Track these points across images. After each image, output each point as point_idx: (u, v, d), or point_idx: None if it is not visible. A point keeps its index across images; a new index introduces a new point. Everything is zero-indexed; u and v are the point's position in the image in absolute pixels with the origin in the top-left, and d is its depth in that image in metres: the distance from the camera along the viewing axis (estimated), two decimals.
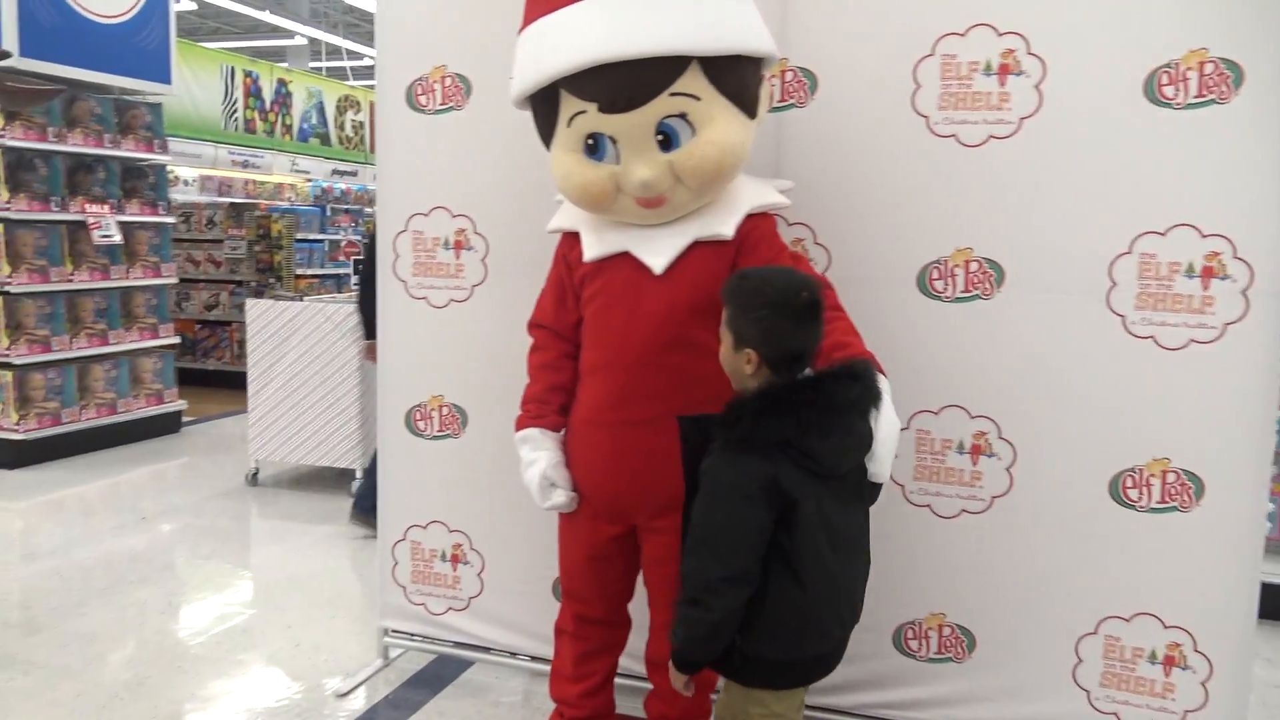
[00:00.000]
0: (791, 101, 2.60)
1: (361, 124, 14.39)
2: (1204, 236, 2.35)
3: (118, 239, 5.93)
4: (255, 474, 5.30)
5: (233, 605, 3.70)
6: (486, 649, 3.09)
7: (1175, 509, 2.43)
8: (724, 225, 2.28)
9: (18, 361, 5.58)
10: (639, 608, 2.59)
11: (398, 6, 2.91)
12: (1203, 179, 2.34)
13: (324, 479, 5.38)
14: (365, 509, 4.27)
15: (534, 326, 2.49)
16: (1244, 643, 2.44)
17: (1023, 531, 2.55)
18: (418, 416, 3.02)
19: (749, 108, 2.25)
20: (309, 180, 12.63)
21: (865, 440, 1.98)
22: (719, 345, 2.04)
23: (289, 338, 5.04)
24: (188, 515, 4.82)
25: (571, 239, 2.40)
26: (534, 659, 3.04)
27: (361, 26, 17.47)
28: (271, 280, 7.60)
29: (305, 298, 5.28)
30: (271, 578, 3.99)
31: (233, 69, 11.51)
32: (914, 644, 2.68)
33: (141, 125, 6.26)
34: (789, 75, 2.59)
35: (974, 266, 2.52)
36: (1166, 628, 2.47)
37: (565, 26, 2.13)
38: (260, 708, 2.93)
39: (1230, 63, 2.29)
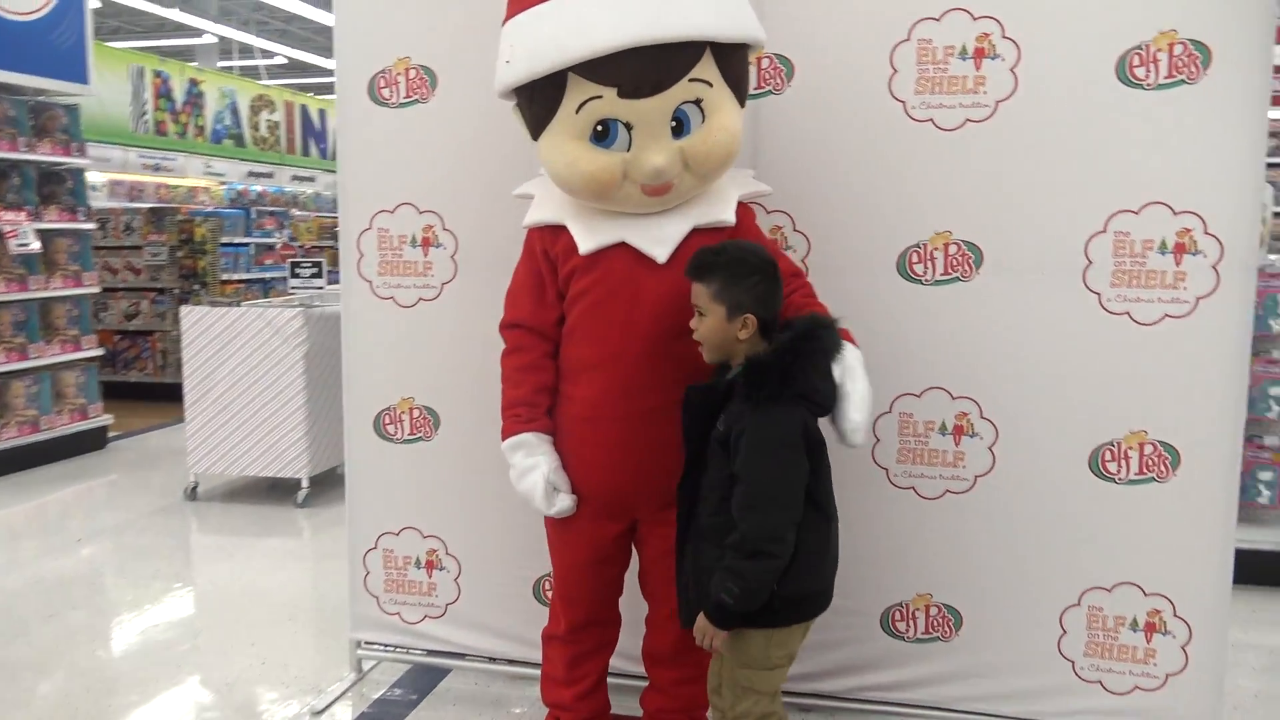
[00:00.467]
0: (769, 88, 2.59)
1: (277, 124, 14.03)
2: (1175, 214, 2.40)
3: (36, 247, 5.65)
4: (194, 488, 5.11)
5: (188, 626, 3.56)
6: (462, 655, 3.03)
7: (1153, 480, 2.49)
8: (725, 211, 2.29)
9: None
10: (626, 604, 2.56)
11: None
12: (1173, 158, 2.39)
13: (268, 490, 5.21)
14: None
15: (510, 327, 2.41)
16: (1220, 607, 2.51)
17: (1006, 509, 2.59)
18: (387, 420, 2.94)
19: (743, 96, 2.28)
20: (224, 183, 12.27)
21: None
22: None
23: (227, 345, 4.87)
24: (124, 534, 4.63)
25: (551, 233, 2.33)
26: (512, 663, 2.98)
27: (271, 24, 17.04)
28: (196, 287, 7.35)
29: (243, 303, 5.10)
30: (226, 594, 3.84)
31: (142, 69, 11.11)
32: (901, 625, 2.70)
33: (58, 128, 5.99)
34: (765, 62, 2.58)
35: (953, 249, 2.54)
36: (1147, 595, 2.53)
37: (585, 9, 2.07)
38: None
39: (1199, 44, 2.34)
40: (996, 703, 2.65)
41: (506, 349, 2.41)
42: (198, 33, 15.08)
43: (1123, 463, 2.50)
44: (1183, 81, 2.37)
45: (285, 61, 18.04)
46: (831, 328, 2.11)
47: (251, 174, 13.14)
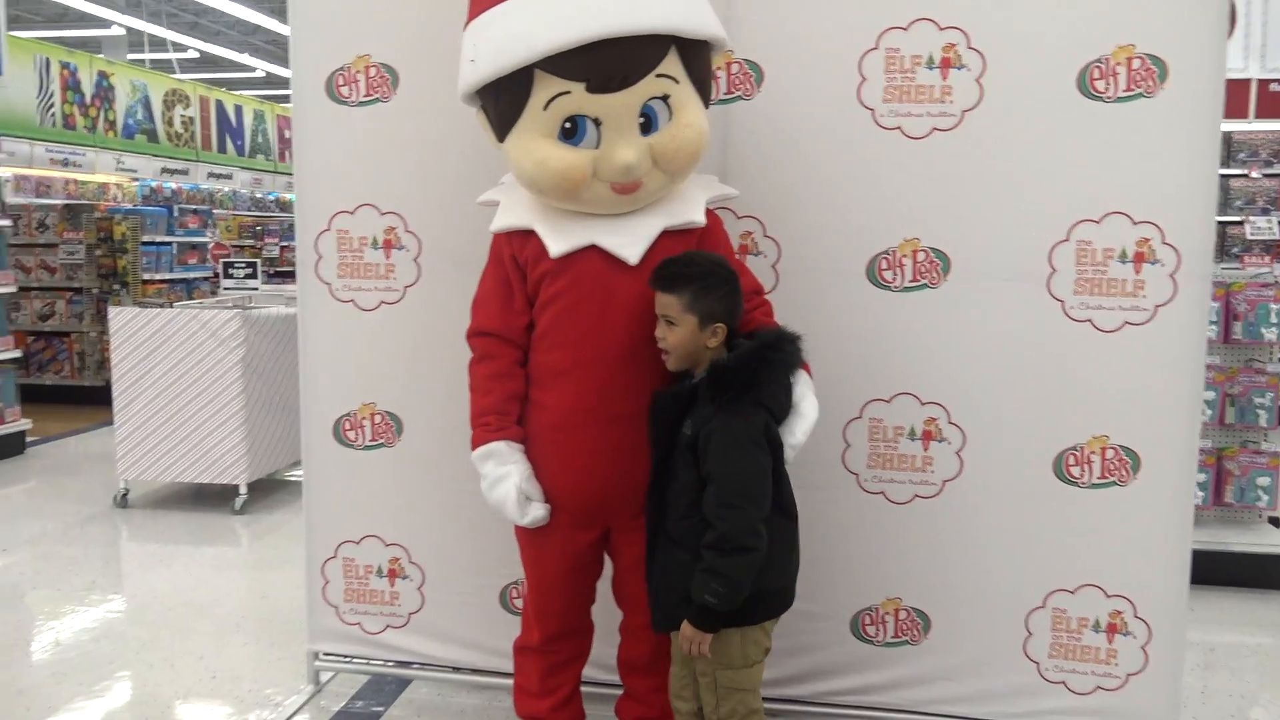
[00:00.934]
0: (738, 94, 2.59)
1: (192, 119, 13.61)
2: (1135, 223, 2.47)
3: None
4: (125, 495, 4.92)
5: (129, 639, 3.42)
6: (422, 665, 2.97)
7: (1114, 484, 2.55)
8: (695, 212, 2.29)
9: None
10: (597, 612, 2.54)
11: None
12: (1133, 169, 2.46)
13: (202, 497, 5.05)
14: None
15: (477, 335, 2.36)
16: (1179, 607, 2.58)
17: (973, 513, 2.63)
18: (347, 426, 2.86)
19: (707, 96, 2.29)
20: (136, 179, 11.86)
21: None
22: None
23: (160, 348, 4.70)
24: (50, 544, 4.43)
25: (520, 238, 2.30)
26: (476, 672, 2.93)
27: (181, 16, 16.53)
28: (116, 287, 7.08)
29: (176, 304, 4.93)
30: (166, 606, 3.70)
31: (48, 60, 10.65)
32: (871, 630, 2.73)
33: None
34: (735, 67, 2.58)
35: (921, 256, 2.57)
36: (1109, 597, 2.59)
37: (552, 4, 2.06)
38: None
39: (1156, 58, 2.41)
40: (964, 705, 2.68)
41: (475, 357, 2.37)
42: (105, 23, 14.54)
43: (1085, 467, 2.56)
44: (1141, 95, 2.44)
45: (198, 55, 17.53)
46: (796, 342, 2.18)
47: (165, 170, 12.71)
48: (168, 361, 4.69)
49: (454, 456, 2.78)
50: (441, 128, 2.69)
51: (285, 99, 20.13)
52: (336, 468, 2.88)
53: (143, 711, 2.92)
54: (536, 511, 2.25)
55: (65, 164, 10.82)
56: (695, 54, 2.19)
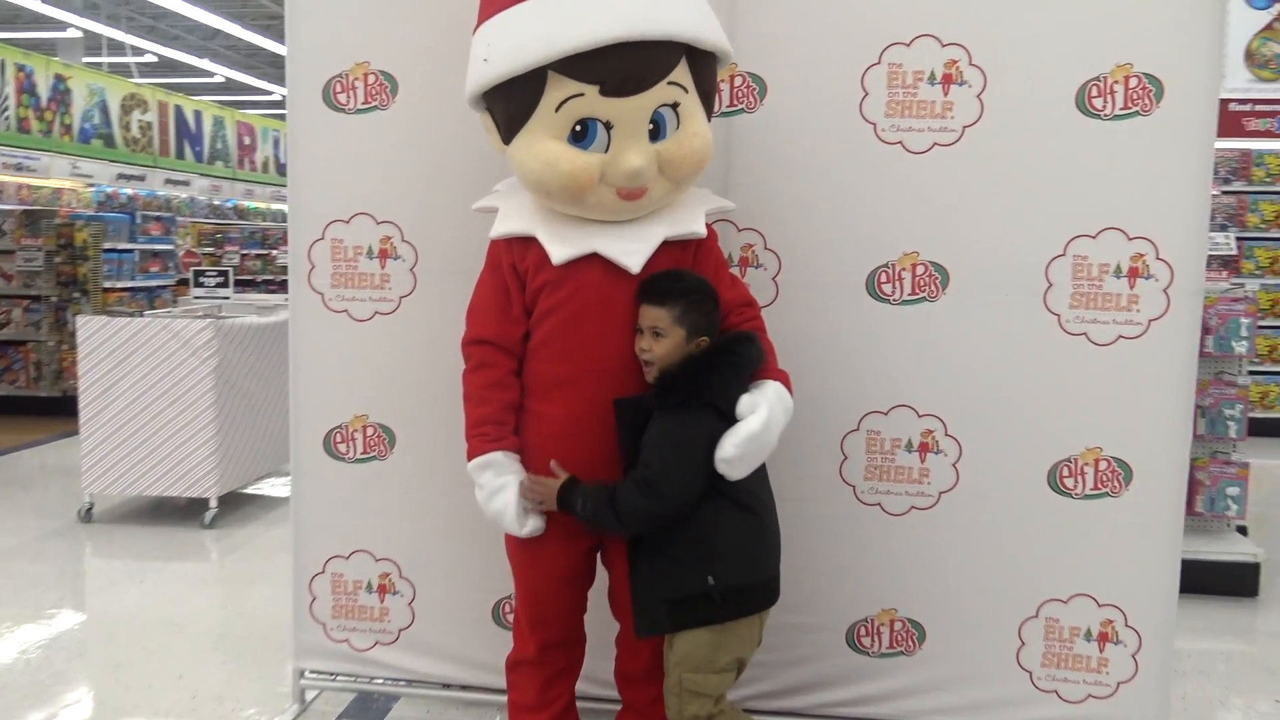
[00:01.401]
0: (741, 106, 2.60)
1: (150, 124, 13.39)
2: (1130, 239, 2.51)
3: None
4: (89, 509, 4.80)
5: (106, 658, 3.33)
6: (411, 682, 2.92)
7: (1107, 495, 2.58)
8: (696, 224, 2.30)
9: None
10: (593, 627, 2.52)
11: None
12: (1128, 185, 2.50)
13: (171, 511, 4.95)
14: None
15: (474, 343, 2.33)
16: (1168, 616, 2.62)
17: (968, 524, 2.65)
18: (338, 438, 2.82)
19: (711, 108, 2.32)
20: (91, 185, 11.62)
21: None
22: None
23: (129, 358, 4.59)
24: (13, 560, 4.31)
25: (520, 246, 2.28)
26: (466, 688, 2.89)
27: (139, 19, 16.26)
28: (76, 295, 6.93)
29: (146, 313, 4.83)
30: (141, 624, 3.60)
31: (3, 62, 10.42)
32: (866, 641, 2.73)
33: None
34: (738, 80, 2.58)
35: (920, 270, 2.59)
36: (1100, 606, 2.62)
37: (571, 6, 2.08)
38: None
39: (1152, 77, 2.46)
40: (958, 715, 2.70)
41: (470, 366, 2.34)
42: (61, 25, 14.26)
43: (1079, 478, 2.59)
44: (1137, 113, 2.48)
45: (156, 60, 17.25)
46: (751, 342, 2.21)
47: (122, 176, 12.48)
48: (137, 372, 4.59)
49: (448, 470, 2.75)
50: (441, 136, 2.67)
51: (245, 104, 19.90)
52: (326, 481, 2.83)
53: None
54: (534, 522, 2.24)
55: (19, 169, 10.58)
56: (703, 65, 2.22)
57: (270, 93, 20.22)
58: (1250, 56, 7.00)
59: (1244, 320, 4.05)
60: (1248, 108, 7.07)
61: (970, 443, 2.63)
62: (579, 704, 2.56)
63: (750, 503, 2.22)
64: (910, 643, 2.71)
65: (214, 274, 4.95)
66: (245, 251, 10.93)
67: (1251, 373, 4.81)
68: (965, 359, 2.60)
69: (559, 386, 2.26)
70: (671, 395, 2.13)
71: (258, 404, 4.94)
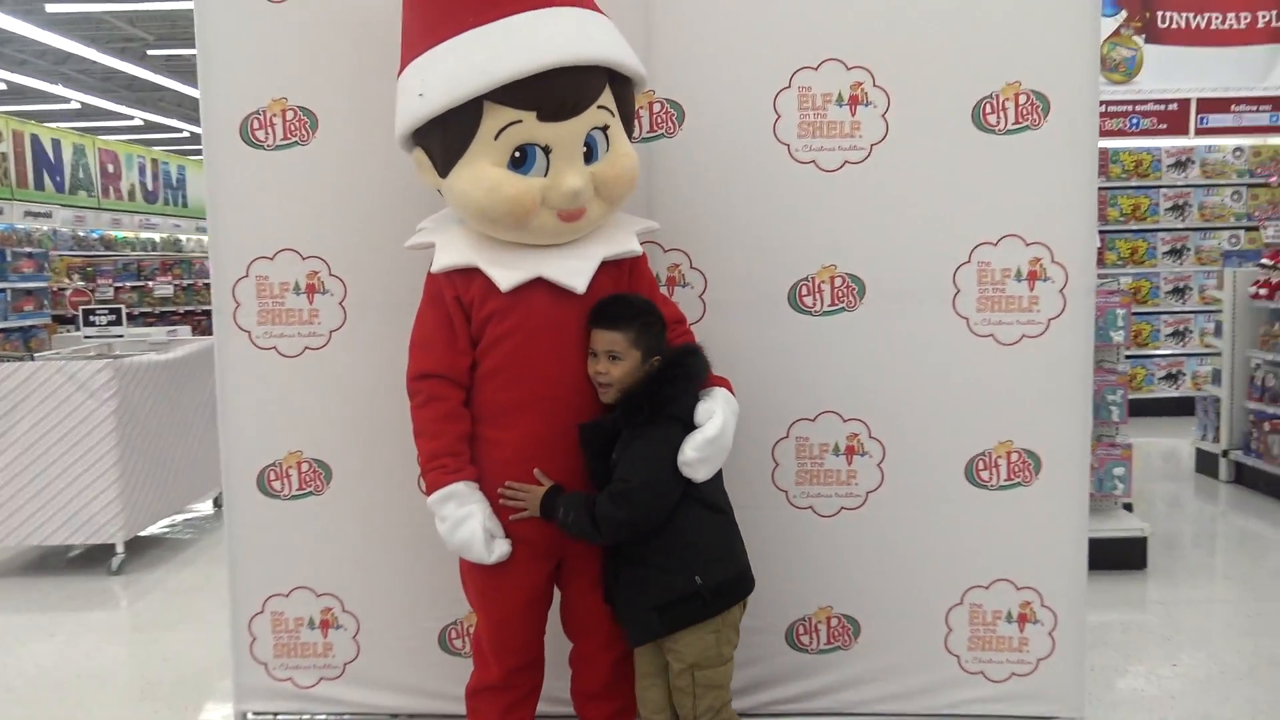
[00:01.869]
0: (661, 132, 2.69)
1: (4, 155, 12.75)
2: (1028, 245, 2.70)
3: None
4: None
5: (29, 718, 3.19)
6: (356, 715, 2.91)
7: (1020, 484, 2.76)
8: (631, 242, 2.40)
9: None
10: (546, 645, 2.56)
11: (222, 34, 2.67)
12: (1024, 195, 2.69)
13: (75, 559, 4.75)
14: None
15: (422, 378, 2.34)
16: (1079, 593, 2.81)
17: (894, 521, 2.79)
18: (272, 476, 2.79)
19: (630, 131, 2.43)
20: None
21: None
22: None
23: (22, 403, 4.40)
24: None
25: (461, 278, 2.32)
26: (413, 717, 2.89)
27: None
28: None
29: (38, 355, 4.64)
30: (60, 679, 3.45)
31: None
32: (805, 639, 2.85)
33: None
34: (657, 106, 2.68)
35: (838, 281, 2.73)
36: (1019, 589, 2.80)
37: (502, 38, 2.15)
38: None
39: (1040, 94, 2.65)
40: (894, 702, 2.84)
41: (419, 401, 2.35)
42: None
43: (994, 471, 2.76)
44: (1028, 127, 2.67)
45: (4, 87, 16.39)
46: (697, 354, 2.34)
47: None
48: (31, 417, 4.39)
49: (387, 501, 2.78)
50: (365, 170, 2.69)
51: (105, 131, 19.07)
52: (262, 519, 2.80)
53: None
54: (501, 548, 2.27)
55: None
56: (624, 90, 2.34)
57: (130, 117, 19.43)
58: (1102, 61, 7.46)
59: (1120, 311, 4.35)
60: (1102, 109, 7.54)
61: (893, 443, 2.77)
62: None
63: (719, 503, 2.37)
64: (846, 637, 2.84)
65: (105, 312, 4.76)
66: (119, 284, 10.49)
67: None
68: (884, 364, 2.75)
69: (512, 412, 2.31)
70: (638, 413, 2.23)
71: (159, 443, 4.79)
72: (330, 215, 2.72)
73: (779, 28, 2.67)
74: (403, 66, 2.32)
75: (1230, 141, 7.83)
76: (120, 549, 4.53)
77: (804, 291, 2.73)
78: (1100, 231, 7.46)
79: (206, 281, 10.60)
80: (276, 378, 2.76)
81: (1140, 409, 6.90)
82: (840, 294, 2.73)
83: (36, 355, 4.69)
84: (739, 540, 2.41)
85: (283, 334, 2.75)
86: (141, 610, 4.20)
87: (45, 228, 12.90)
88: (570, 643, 2.55)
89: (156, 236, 16.60)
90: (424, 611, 2.81)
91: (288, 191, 2.71)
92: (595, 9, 2.34)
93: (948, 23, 2.64)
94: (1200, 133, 7.79)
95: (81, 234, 13.91)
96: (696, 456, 2.22)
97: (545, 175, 2.22)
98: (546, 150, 2.21)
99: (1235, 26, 7.37)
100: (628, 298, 2.35)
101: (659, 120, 2.68)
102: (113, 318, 4.82)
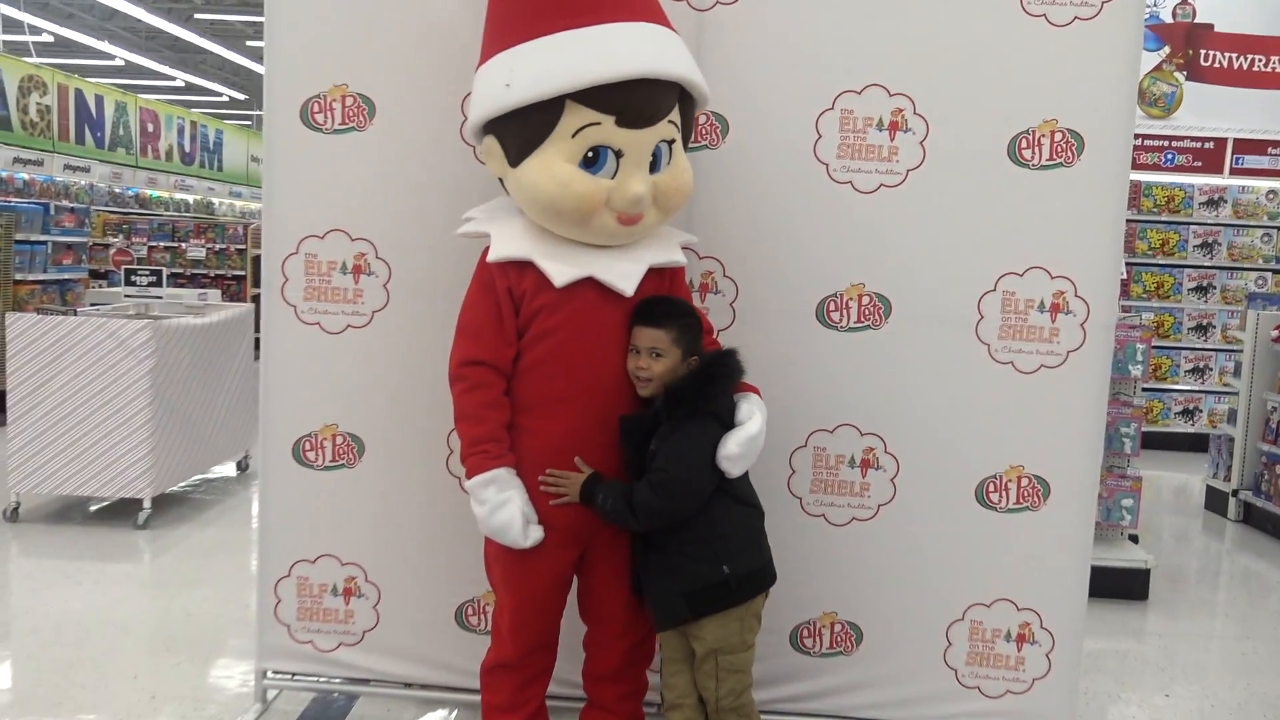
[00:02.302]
0: (705, 143, 2.78)
1: (48, 108, 12.93)
2: (1053, 278, 2.77)
3: None
4: (15, 509, 4.72)
5: (55, 660, 3.31)
6: (367, 681, 3.02)
7: (1028, 509, 2.84)
8: (676, 253, 2.52)
9: None
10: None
11: (290, 20, 2.78)
12: (1052, 229, 2.76)
13: (101, 511, 4.89)
14: None
15: (471, 364, 2.41)
16: (1078, 618, 2.90)
17: (903, 535, 2.88)
18: (307, 447, 2.90)
19: (686, 149, 2.50)
20: None
21: None
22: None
23: (61, 356, 4.54)
24: None
25: (515, 271, 2.40)
26: (425, 687, 3.00)
27: None
28: None
29: (78, 311, 4.77)
30: (86, 625, 3.59)
31: None
32: (809, 641, 2.94)
33: None
34: (702, 119, 2.76)
35: (865, 300, 2.81)
36: (1020, 610, 2.88)
37: (597, 42, 2.27)
38: None
39: (1075, 132, 2.72)
40: (890, 709, 2.93)
41: (465, 386, 2.42)
42: None
43: (1004, 493, 2.84)
44: (1061, 164, 2.74)
45: (52, 39, 16.60)
46: (734, 354, 2.45)
47: (18, 160, 12.04)
48: (70, 370, 4.54)
49: (416, 478, 2.88)
50: (417, 158, 2.78)
51: (146, 89, 19.29)
52: (294, 487, 2.91)
53: None
54: (536, 534, 2.36)
55: None
56: (689, 109, 2.44)
57: (172, 78, 19.64)
58: (1141, 95, 7.50)
59: (1139, 345, 4.42)
60: (1138, 142, 7.59)
61: (907, 460, 2.86)
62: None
63: (749, 497, 2.50)
64: (849, 643, 2.93)
65: (147, 273, 4.89)
66: (154, 244, 10.65)
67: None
68: (904, 383, 2.83)
69: (553, 403, 2.40)
70: (680, 407, 2.35)
71: (190, 405, 4.93)
72: (380, 200, 2.81)
73: (825, 51, 2.75)
74: (486, 57, 2.41)
75: (1265, 184, 7.86)
76: (147, 504, 4.67)
77: (831, 307, 2.82)
78: (1127, 263, 7.51)
79: (239, 247, 10.83)
80: (318, 352, 2.86)
81: (1154, 442, 6.95)
82: (866, 312, 2.81)
83: (79, 311, 4.82)
84: (764, 534, 2.53)
85: (327, 311, 2.85)
86: (165, 565, 4.33)
87: (83, 182, 13.10)
88: (585, 627, 2.65)
89: (190, 198, 16.81)
90: (443, 587, 2.92)
91: (341, 175, 2.80)
92: (674, 30, 2.44)
93: (990, 57, 2.72)
94: (1235, 173, 7.82)
95: (117, 190, 14.11)
96: (738, 452, 2.36)
97: (613, 178, 2.32)
98: (619, 154, 2.31)
99: (1278, 70, 7.39)
100: (671, 299, 2.48)
101: (703, 132, 2.77)
102: (153, 279, 4.95)
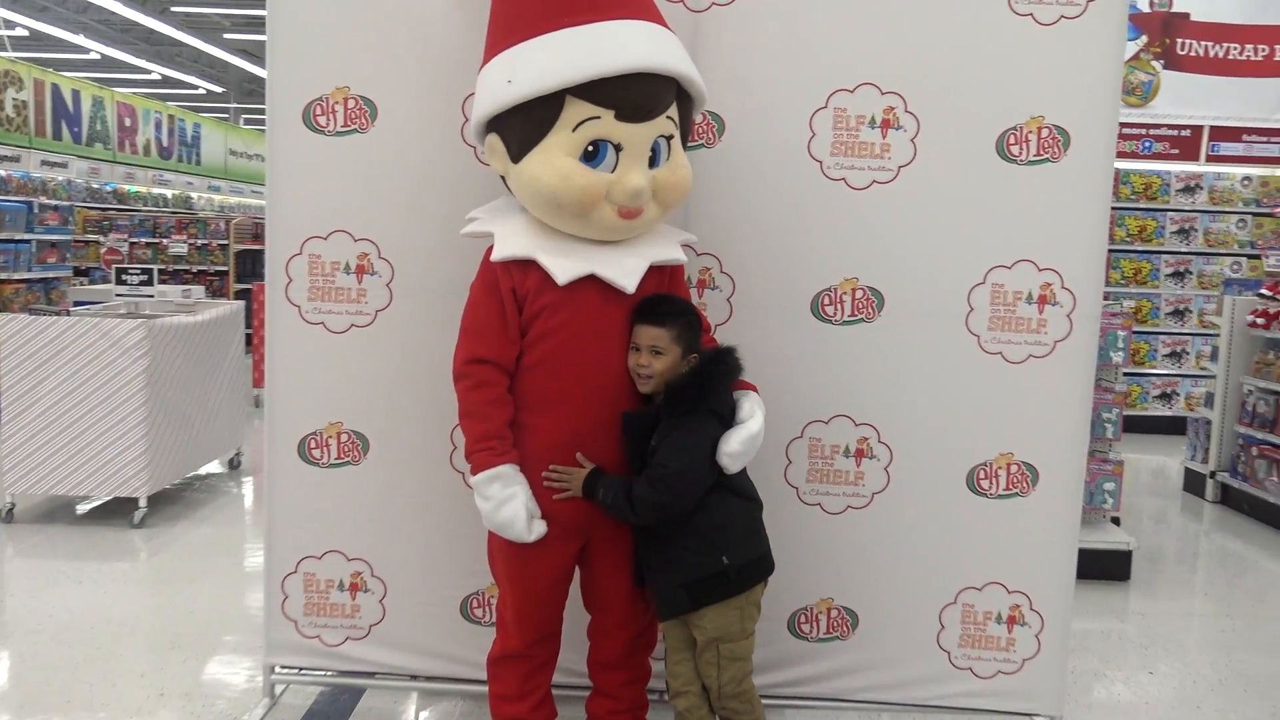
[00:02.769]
0: (701, 142, 2.84)
1: (24, 103, 12.83)
2: (1040, 270, 2.85)
3: None
4: (10, 510, 4.74)
5: (60, 658, 3.35)
6: (375, 674, 3.08)
7: (1017, 494, 2.93)
8: (675, 251, 2.57)
9: None
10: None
11: (292, 23, 2.81)
12: (1039, 223, 2.84)
13: (95, 511, 4.91)
14: None
15: (476, 362, 2.46)
16: (1066, 599, 2.98)
17: (897, 522, 2.96)
18: (313, 444, 2.94)
19: (684, 147, 2.55)
20: None
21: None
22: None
23: (54, 357, 4.55)
24: None
25: (519, 270, 2.45)
26: (432, 679, 3.06)
27: None
28: None
29: (70, 311, 4.78)
30: (88, 624, 3.62)
31: None
32: (806, 627, 3.02)
33: None
34: (700, 117, 2.81)
35: (859, 294, 2.88)
36: (1010, 592, 2.97)
37: (597, 38, 2.32)
38: None
39: (1061, 129, 2.80)
40: (886, 691, 3.01)
41: (470, 384, 2.47)
42: None
43: (994, 480, 2.92)
44: (1048, 160, 2.82)
45: (26, 34, 16.44)
46: (733, 352, 2.51)
47: None
48: (65, 370, 4.55)
49: (418, 475, 2.94)
50: (419, 159, 2.82)
51: (123, 84, 19.11)
52: (300, 484, 2.95)
53: None
54: (539, 528, 2.42)
55: None
56: (687, 106, 2.50)
57: (148, 71, 19.49)
58: None
59: (1121, 333, 4.51)
60: (1117, 130, 7.70)
61: (900, 449, 2.93)
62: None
63: (748, 491, 2.58)
64: (845, 628, 3.01)
65: (138, 271, 4.90)
66: (134, 240, 10.60)
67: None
68: (897, 374, 2.90)
69: (555, 401, 2.46)
70: (680, 404, 2.41)
71: (184, 403, 4.95)
72: (383, 201, 2.85)
73: (819, 51, 2.81)
74: (488, 58, 2.46)
75: (1239, 170, 8.00)
76: (143, 503, 4.69)
77: (826, 301, 2.89)
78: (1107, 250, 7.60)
79: (221, 242, 10.78)
80: (323, 351, 2.90)
81: (1133, 425, 7.07)
82: (860, 305, 2.88)
83: (72, 311, 4.82)
84: (762, 524, 2.60)
85: (331, 310, 2.89)
86: (163, 563, 4.36)
87: (60, 178, 13.00)
88: (589, 616, 2.72)
89: (169, 193, 16.70)
90: (448, 580, 2.97)
91: (344, 176, 2.84)
92: (671, 30, 2.50)
93: (979, 56, 2.79)
94: (1211, 160, 7.95)
95: (95, 186, 14.01)
96: (739, 450, 2.43)
97: (612, 171, 2.37)
98: (618, 148, 2.36)
99: (1252, 58, 7.51)
100: (672, 298, 2.54)
101: (700, 131, 2.83)
102: (144, 278, 4.96)
